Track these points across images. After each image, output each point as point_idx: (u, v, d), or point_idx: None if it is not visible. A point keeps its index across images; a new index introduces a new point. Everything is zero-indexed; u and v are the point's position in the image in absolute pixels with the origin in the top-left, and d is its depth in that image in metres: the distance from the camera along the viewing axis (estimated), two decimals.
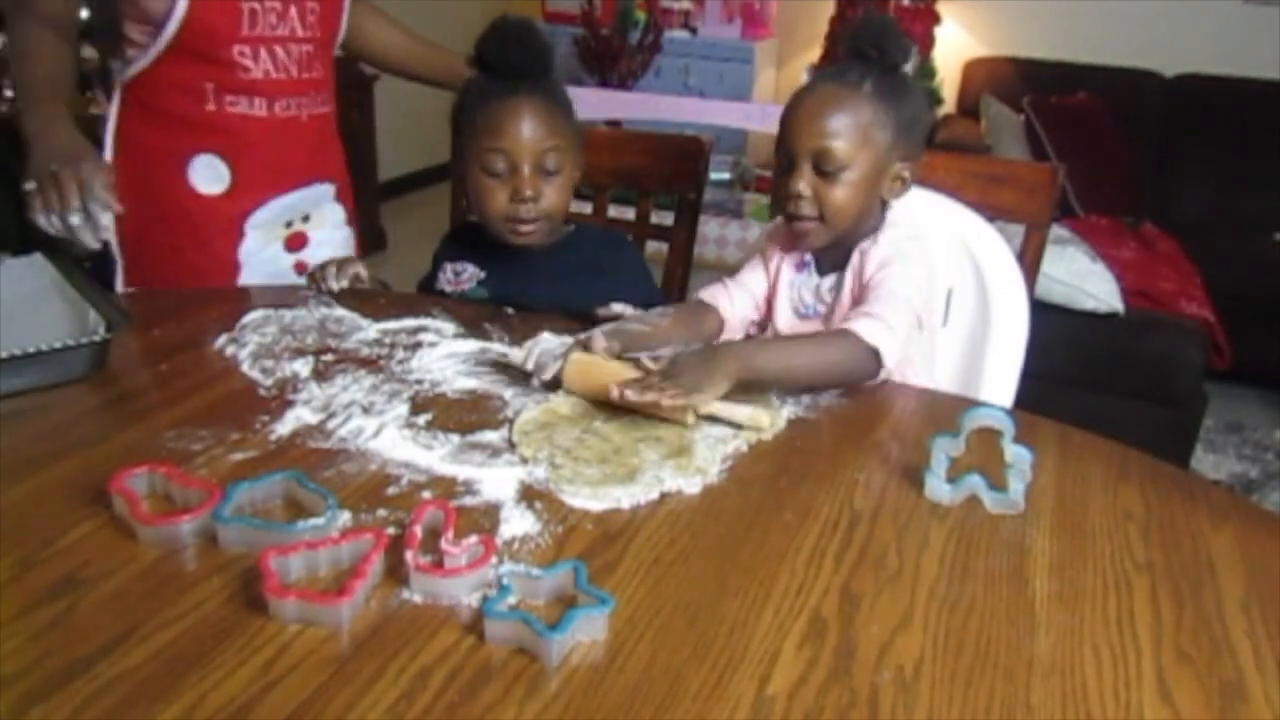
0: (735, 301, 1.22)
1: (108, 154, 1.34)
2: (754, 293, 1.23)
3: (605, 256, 1.30)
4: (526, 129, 1.17)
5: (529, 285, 1.26)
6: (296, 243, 1.43)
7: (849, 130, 1.08)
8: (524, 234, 1.21)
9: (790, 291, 1.21)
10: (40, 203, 1.13)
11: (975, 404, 1.00)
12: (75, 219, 1.12)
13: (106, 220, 1.13)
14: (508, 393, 1.02)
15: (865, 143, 1.09)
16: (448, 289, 1.31)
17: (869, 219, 1.14)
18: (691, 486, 0.86)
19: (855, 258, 1.15)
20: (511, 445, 0.91)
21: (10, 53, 1.30)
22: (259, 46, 1.30)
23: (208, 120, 1.31)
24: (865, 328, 1.04)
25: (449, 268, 1.31)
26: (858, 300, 1.12)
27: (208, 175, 1.33)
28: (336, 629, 0.66)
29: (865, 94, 1.09)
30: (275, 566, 0.69)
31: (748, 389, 0.99)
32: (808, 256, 1.20)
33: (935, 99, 3.61)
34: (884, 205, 1.15)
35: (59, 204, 1.12)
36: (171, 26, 1.24)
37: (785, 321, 1.21)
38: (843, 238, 1.13)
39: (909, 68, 1.12)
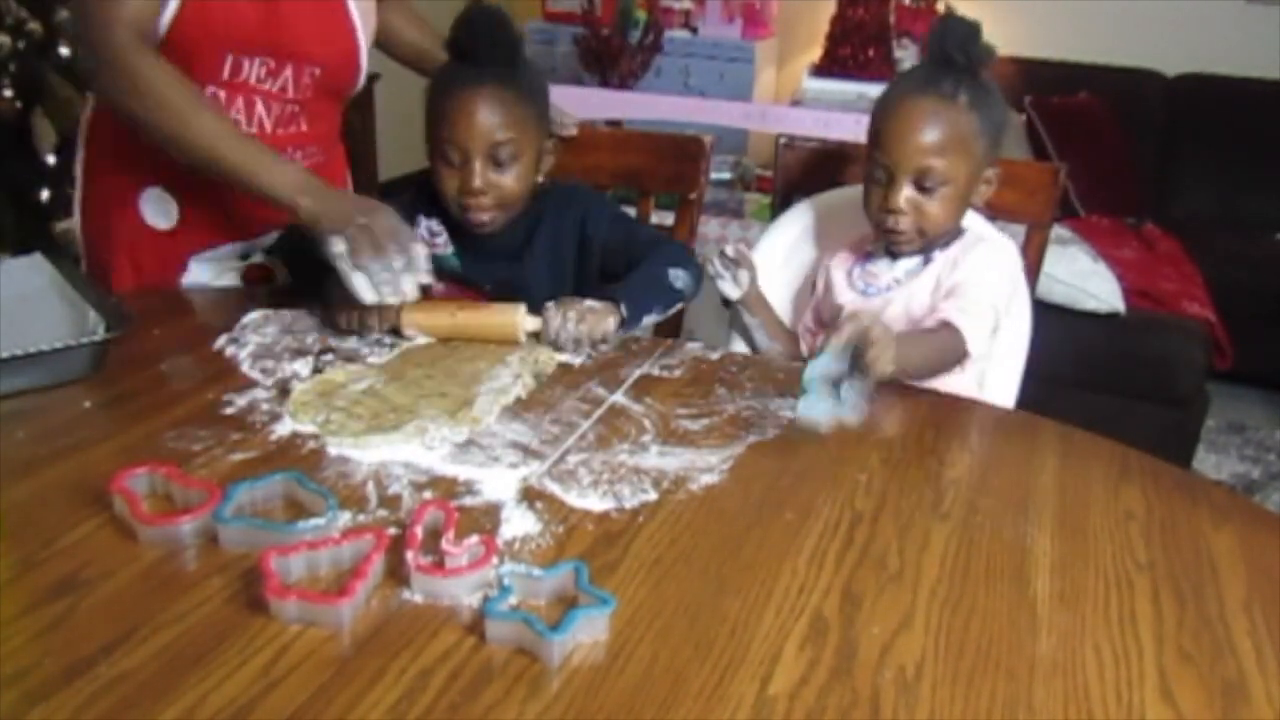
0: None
1: (78, 165, 1.29)
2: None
3: (566, 221, 1.26)
4: (478, 122, 1.14)
5: (496, 267, 1.24)
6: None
7: (949, 146, 1.10)
8: (477, 221, 1.19)
9: (850, 279, 1.23)
10: (355, 257, 1.03)
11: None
12: (399, 262, 1.04)
13: (424, 261, 1.06)
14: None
15: (964, 156, 1.11)
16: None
17: (959, 223, 1.18)
18: (459, 436, 0.91)
19: (940, 257, 1.17)
20: (291, 415, 0.94)
21: (153, 100, 1.08)
22: (236, 95, 1.20)
23: (163, 152, 1.16)
24: (961, 322, 1.08)
25: (424, 224, 1.27)
26: (939, 293, 1.14)
27: (156, 209, 1.28)
28: (337, 629, 0.66)
29: (962, 105, 1.10)
30: (276, 567, 0.69)
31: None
32: (871, 247, 1.23)
33: None
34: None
35: (372, 251, 1.03)
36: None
37: (846, 299, 1.22)
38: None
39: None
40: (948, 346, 1.08)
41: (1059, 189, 1.35)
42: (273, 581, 0.67)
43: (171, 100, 1.08)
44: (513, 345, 1.09)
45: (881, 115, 1.14)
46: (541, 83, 1.24)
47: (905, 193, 1.11)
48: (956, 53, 1.11)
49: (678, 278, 1.17)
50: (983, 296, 1.11)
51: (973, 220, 1.30)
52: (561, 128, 1.37)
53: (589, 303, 1.11)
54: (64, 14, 2.10)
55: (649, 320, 1.17)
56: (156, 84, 1.08)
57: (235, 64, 1.18)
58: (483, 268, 1.25)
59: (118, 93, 1.09)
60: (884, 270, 1.20)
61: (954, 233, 1.19)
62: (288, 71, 1.23)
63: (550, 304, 1.10)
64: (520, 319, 1.10)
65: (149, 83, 1.08)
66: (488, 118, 1.15)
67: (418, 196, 1.28)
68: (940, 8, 3.62)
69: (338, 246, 1.03)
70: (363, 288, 1.04)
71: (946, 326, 1.08)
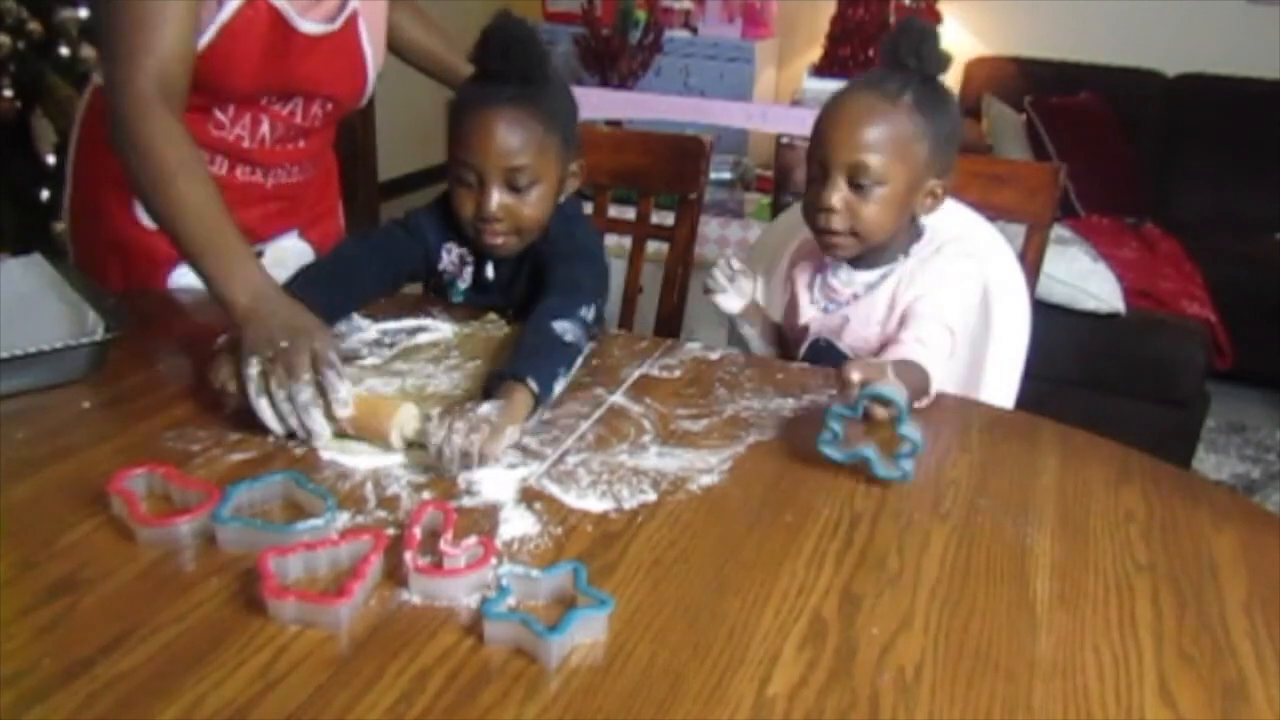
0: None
1: (69, 166, 1.27)
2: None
3: (555, 249, 1.19)
4: (494, 144, 1.08)
5: (493, 296, 1.23)
6: None
7: (887, 144, 1.05)
8: (493, 244, 1.15)
9: (811, 293, 1.21)
10: (264, 382, 0.89)
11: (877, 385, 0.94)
12: (305, 395, 0.88)
13: (345, 393, 0.90)
14: None
15: (903, 157, 1.06)
16: (448, 270, 1.23)
17: (902, 233, 1.13)
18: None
19: (898, 269, 1.14)
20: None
21: (142, 154, 1.01)
22: (244, 112, 1.19)
23: None
24: (922, 356, 1.04)
25: (455, 251, 1.23)
26: (896, 306, 1.12)
27: None
28: (335, 630, 0.66)
29: (905, 106, 1.06)
30: (274, 567, 0.69)
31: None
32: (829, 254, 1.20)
33: None
34: (914, 219, 1.14)
35: (287, 379, 0.89)
36: None
37: (809, 317, 1.20)
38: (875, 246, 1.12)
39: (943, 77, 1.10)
40: (921, 384, 1.04)
41: (1059, 189, 1.35)
42: (271, 582, 0.67)
43: (159, 159, 1.01)
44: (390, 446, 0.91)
45: (823, 113, 1.10)
46: (569, 103, 1.17)
47: (839, 191, 1.07)
48: (909, 56, 1.07)
49: (565, 331, 1.03)
50: (940, 317, 1.08)
51: (970, 220, 1.30)
52: None
53: (484, 408, 0.88)
54: (64, 14, 2.10)
55: (560, 385, 1.01)
56: (153, 140, 1.01)
57: (256, 82, 1.17)
58: (483, 297, 1.24)
59: (115, 133, 1.03)
60: (843, 285, 1.17)
61: (913, 235, 1.15)
62: (299, 103, 1.24)
63: (434, 412, 0.89)
64: (395, 424, 0.90)
65: (145, 138, 1.01)
66: (505, 140, 1.08)
67: (444, 220, 1.22)
68: (940, 8, 3.63)
69: (252, 369, 0.90)
70: (268, 417, 0.90)
71: (915, 367, 1.03)
